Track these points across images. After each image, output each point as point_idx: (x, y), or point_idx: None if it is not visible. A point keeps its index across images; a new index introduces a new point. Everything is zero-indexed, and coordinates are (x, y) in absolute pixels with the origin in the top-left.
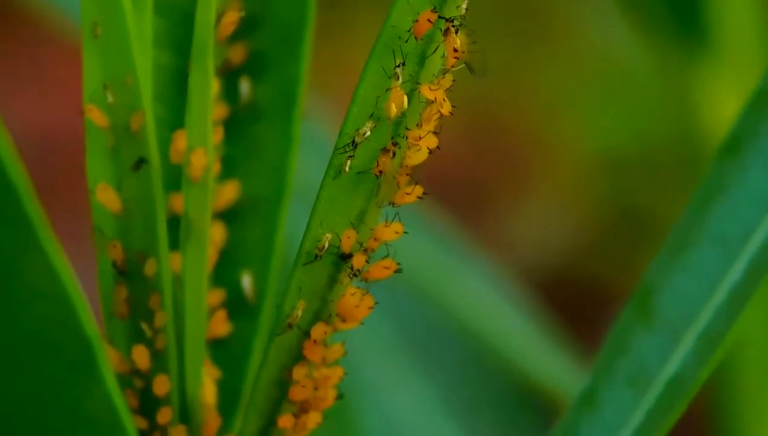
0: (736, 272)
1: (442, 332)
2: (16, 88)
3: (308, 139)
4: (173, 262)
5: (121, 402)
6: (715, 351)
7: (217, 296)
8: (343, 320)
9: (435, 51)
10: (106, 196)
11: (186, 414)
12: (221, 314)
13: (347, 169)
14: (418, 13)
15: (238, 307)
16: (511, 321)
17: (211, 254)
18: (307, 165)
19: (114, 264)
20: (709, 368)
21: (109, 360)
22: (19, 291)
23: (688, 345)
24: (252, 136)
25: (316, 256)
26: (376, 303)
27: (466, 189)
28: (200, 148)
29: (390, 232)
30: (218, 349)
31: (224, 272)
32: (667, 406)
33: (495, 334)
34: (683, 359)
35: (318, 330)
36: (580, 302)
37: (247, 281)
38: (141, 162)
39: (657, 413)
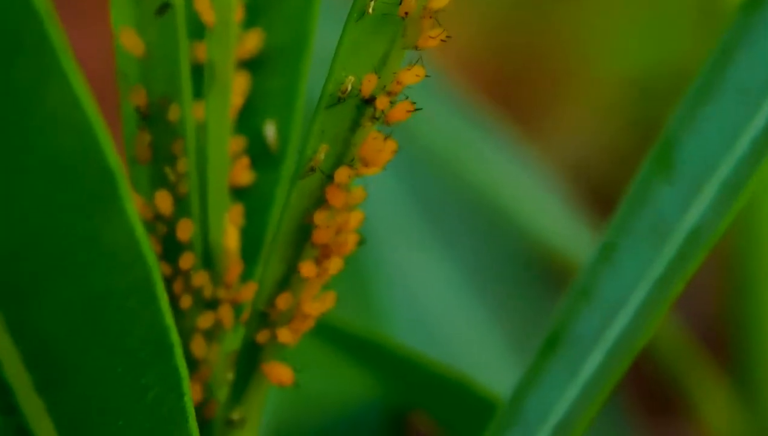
0: (757, 122)
1: (460, 203)
2: None
3: None
4: (196, 110)
5: (143, 233)
6: (736, 202)
7: (239, 143)
8: (366, 164)
9: None
10: (130, 40)
11: (208, 260)
12: (244, 161)
13: (370, 11)
14: None
15: (261, 156)
16: (534, 195)
17: (234, 102)
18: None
19: (137, 109)
20: (729, 218)
21: (130, 191)
22: (39, 118)
23: (708, 196)
24: None
25: (339, 99)
26: (399, 148)
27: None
28: None
29: (411, 75)
30: (241, 197)
31: (247, 121)
32: (687, 257)
33: (516, 205)
34: (703, 210)
35: (341, 174)
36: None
37: (270, 130)
38: (165, 6)
39: (676, 263)
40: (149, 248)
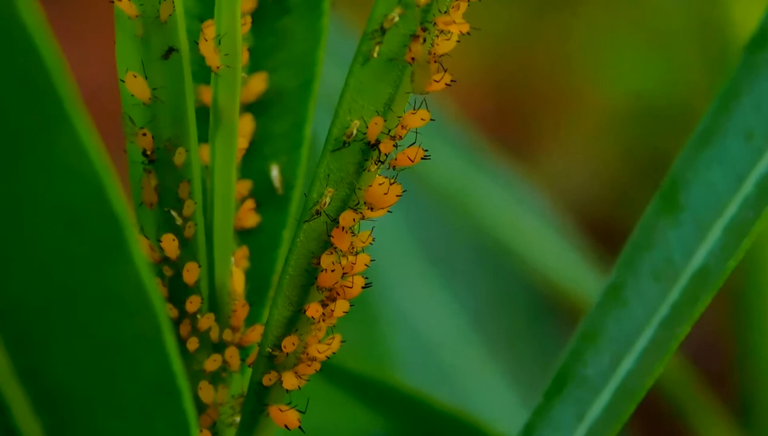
0: (763, 164)
1: (463, 242)
2: None
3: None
4: (202, 153)
5: (150, 281)
6: (742, 243)
7: (245, 186)
8: (371, 208)
9: None
10: (136, 85)
11: (215, 302)
12: (249, 204)
13: (375, 55)
14: None
15: (266, 199)
16: (535, 231)
17: (239, 145)
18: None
19: (144, 152)
20: (735, 259)
21: (137, 238)
22: (46, 166)
23: (714, 237)
24: (280, 29)
25: (345, 143)
26: (404, 191)
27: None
28: (229, 36)
29: (417, 119)
30: (247, 239)
31: (252, 164)
32: (694, 298)
33: (519, 243)
34: (710, 251)
35: (346, 217)
36: (602, 236)
37: (275, 173)
38: (170, 51)
39: (683, 305)
40: (157, 295)
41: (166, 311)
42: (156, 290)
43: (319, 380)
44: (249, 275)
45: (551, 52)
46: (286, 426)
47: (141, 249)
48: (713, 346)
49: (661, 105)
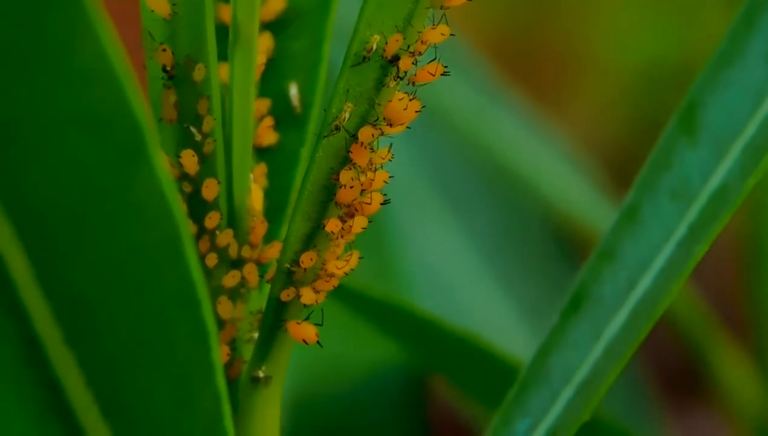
0: None
1: (479, 175)
2: None
3: None
4: (221, 72)
5: (171, 188)
6: (761, 162)
7: (263, 104)
8: (390, 124)
9: None
10: (156, 1)
11: (233, 219)
12: (268, 121)
13: None
14: None
15: (284, 117)
16: (552, 166)
17: (258, 63)
18: None
19: (163, 68)
20: (754, 178)
21: (158, 146)
22: (69, 71)
23: (733, 157)
24: None
25: (364, 57)
26: (423, 107)
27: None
28: None
29: (437, 34)
30: (265, 157)
31: (271, 83)
32: (712, 218)
33: (535, 176)
34: (728, 171)
35: (365, 133)
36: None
37: (293, 91)
38: None
39: (701, 225)
40: (177, 202)
41: (186, 220)
42: (176, 197)
43: (336, 307)
44: (267, 193)
45: (570, 14)
46: (304, 341)
47: (161, 156)
48: (730, 291)
49: (680, 70)
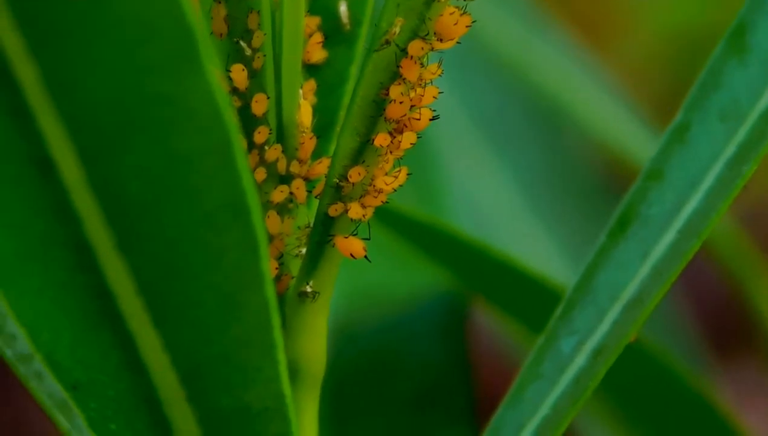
0: None
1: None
2: None
3: None
4: None
5: (222, 94)
6: None
7: (313, 21)
8: (441, 39)
9: None
10: None
11: (282, 135)
12: (317, 37)
13: None
14: None
15: (334, 34)
16: (596, 99)
17: None
18: None
19: None
20: None
21: (210, 50)
22: None
23: None
24: None
25: None
26: (474, 21)
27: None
28: None
29: None
30: (314, 74)
31: (320, 0)
32: (760, 137)
33: (578, 109)
34: None
35: (415, 47)
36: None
37: (343, 8)
38: None
39: (749, 144)
40: (228, 109)
41: (237, 126)
42: (227, 103)
43: (379, 232)
44: (316, 110)
45: None
46: (351, 255)
47: (213, 62)
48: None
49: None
